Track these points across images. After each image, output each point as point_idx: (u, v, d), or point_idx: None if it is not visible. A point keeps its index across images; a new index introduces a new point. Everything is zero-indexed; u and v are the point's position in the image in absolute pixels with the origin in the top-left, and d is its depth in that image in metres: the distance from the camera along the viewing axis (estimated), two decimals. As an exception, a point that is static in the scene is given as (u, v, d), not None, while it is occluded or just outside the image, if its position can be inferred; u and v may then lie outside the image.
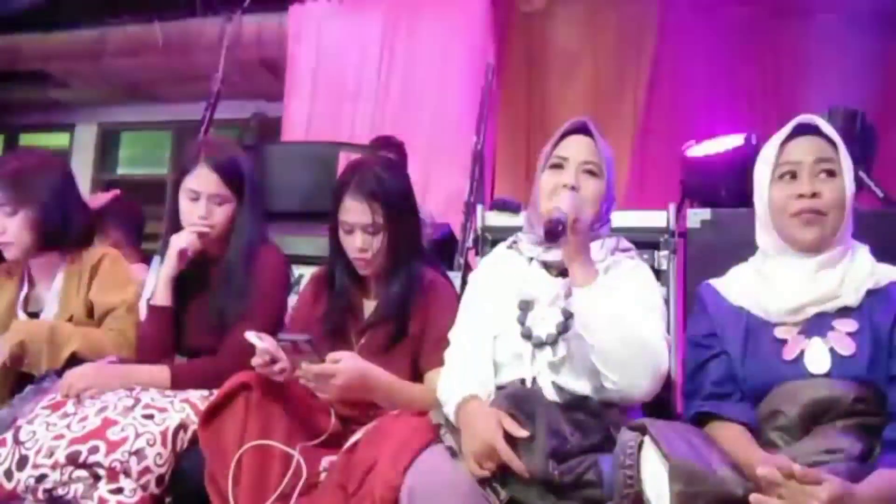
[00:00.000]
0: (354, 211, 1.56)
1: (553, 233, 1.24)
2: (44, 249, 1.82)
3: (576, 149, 1.46)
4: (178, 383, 1.61)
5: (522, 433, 1.21)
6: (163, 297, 1.72)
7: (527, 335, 1.40)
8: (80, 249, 1.86)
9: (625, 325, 1.28)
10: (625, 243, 1.50)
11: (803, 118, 1.35)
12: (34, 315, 1.84)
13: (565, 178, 1.43)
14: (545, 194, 1.45)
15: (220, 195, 1.72)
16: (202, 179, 1.71)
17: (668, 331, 1.55)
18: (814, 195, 1.30)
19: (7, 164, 1.84)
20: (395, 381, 1.50)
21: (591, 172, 1.44)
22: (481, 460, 1.21)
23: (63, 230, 1.82)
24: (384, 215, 1.56)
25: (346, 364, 1.39)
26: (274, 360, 1.41)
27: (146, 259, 2.61)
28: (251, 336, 1.42)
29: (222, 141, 1.96)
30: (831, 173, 1.31)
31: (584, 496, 1.19)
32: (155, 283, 1.76)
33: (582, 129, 1.48)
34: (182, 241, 1.71)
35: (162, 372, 1.62)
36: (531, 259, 1.49)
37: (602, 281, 1.31)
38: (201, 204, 1.72)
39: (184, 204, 1.73)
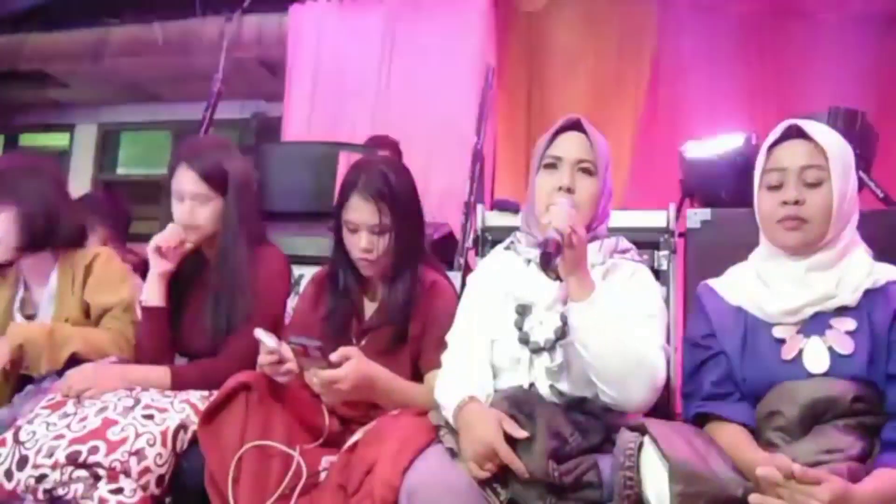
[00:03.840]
0: (361, 211, 1.55)
1: (548, 255, 1.22)
2: (32, 249, 1.81)
3: (570, 147, 1.44)
4: (178, 384, 1.61)
5: (522, 434, 1.21)
6: (152, 297, 1.72)
7: (524, 340, 1.39)
8: (71, 250, 1.85)
9: (621, 340, 1.27)
10: (624, 244, 1.49)
11: (792, 122, 1.34)
12: (30, 318, 1.84)
13: (560, 180, 1.41)
14: (541, 196, 1.44)
15: (200, 194, 1.72)
16: (182, 179, 1.72)
17: (669, 332, 1.54)
18: (797, 202, 1.30)
19: None
20: (397, 380, 1.50)
21: (586, 171, 1.43)
22: (481, 461, 1.21)
23: (49, 230, 1.81)
24: (391, 216, 1.55)
25: (351, 368, 1.38)
26: (281, 361, 1.40)
27: (131, 253, 2.62)
28: (260, 333, 1.40)
29: (206, 140, 1.96)
30: (818, 180, 1.30)
31: (584, 497, 1.19)
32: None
33: (575, 126, 1.46)
34: (157, 238, 1.71)
35: (162, 372, 1.62)
36: (529, 261, 1.48)
37: (599, 293, 1.29)
38: (186, 204, 1.72)
39: (173, 205, 1.74)
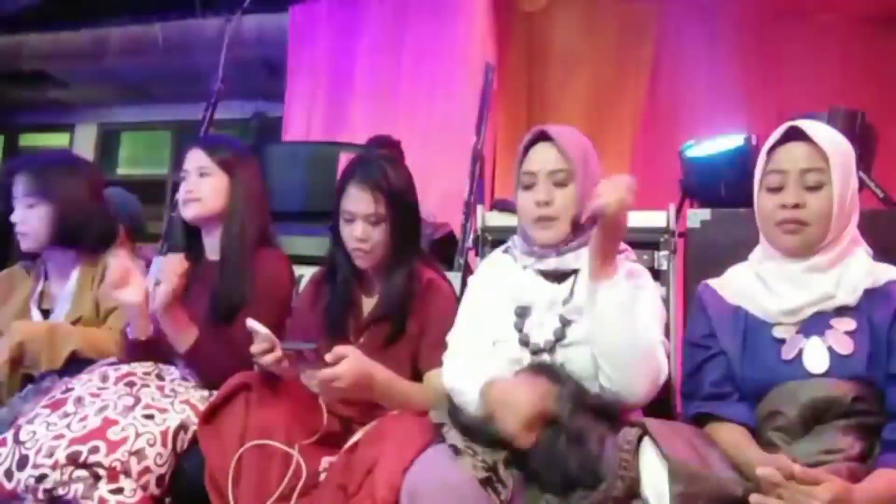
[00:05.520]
0: (357, 200, 1.57)
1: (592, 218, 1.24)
2: (59, 246, 1.88)
3: (540, 160, 1.45)
4: (192, 355, 1.60)
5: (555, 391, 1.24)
6: (139, 330, 1.65)
7: (524, 342, 1.40)
8: (97, 251, 1.90)
9: (635, 328, 1.29)
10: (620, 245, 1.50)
11: (793, 124, 1.34)
12: (47, 312, 1.87)
13: (537, 196, 1.43)
14: (524, 214, 1.46)
15: (203, 167, 1.75)
16: (189, 156, 1.78)
17: (668, 333, 1.55)
18: (797, 206, 1.30)
19: (36, 160, 1.93)
20: (396, 379, 1.49)
21: (559, 183, 1.43)
22: (529, 430, 1.22)
23: (79, 230, 1.88)
24: (386, 206, 1.57)
25: (348, 366, 1.38)
26: (274, 348, 1.40)
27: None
28: (252, 323, 1.41)
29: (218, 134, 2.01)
30: (818, 183, 1.30)
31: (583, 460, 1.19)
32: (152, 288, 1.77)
33: (544, 136, 1.46)
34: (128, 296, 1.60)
35: (190, 335, 1.60)
36: (525, 267, 1.49)
37: (621, 276, 1.31)
38: (190, 180, 1.76)
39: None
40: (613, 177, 1.30)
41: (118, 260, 1.60)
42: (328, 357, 1.37)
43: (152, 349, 1.67)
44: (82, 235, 1.89)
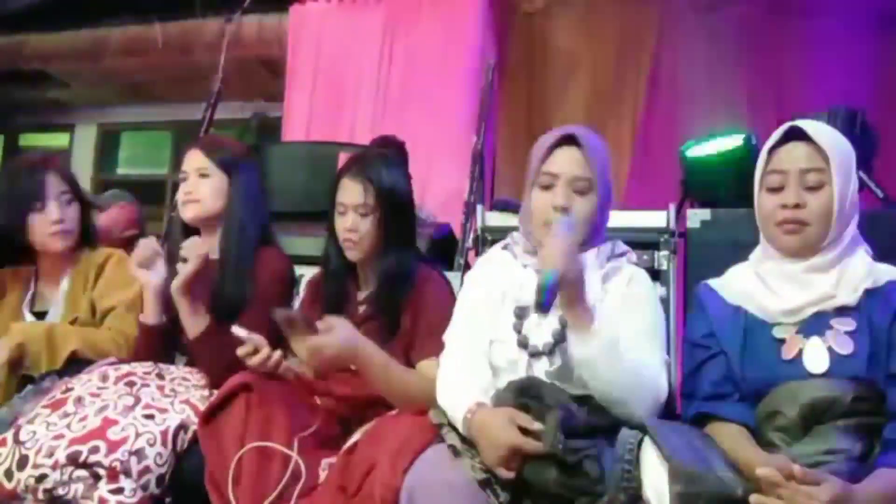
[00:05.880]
0: (349, 190, 1.60)
1: (543, 305, 1.21)
2: (80, 244, 1.89)
3: (564, 164, 1.42)
4: (201, 342, 1.62)
5: (536, 426, 1.21)
6: (148, 315, 1.69)
7: (523, 344, 1.39)
8: (88, 250, 1.91)
9: (623, 367, 1.27)
10: (620, 247, 1.49)
11: (794, 124, 1.34)
12: (41, 315, 1.85)
13: (555, 199, 1.41)
14: (538, 214, 1.43)
15: (202, 167, 1.76)
16: (187, 157, 1.79)
17: (668, 336, 1.54)
18: (797, 206, 1.29)
19: (54, 159, 1.92)
20: (392, 361, 1.47)
21: (580, 191, 1.41)
22: (507, 464, 1.20)
23: (93, 228, 1.94)
24: (376, 198, 1.59)
25: (337, 335, 1.39)
26: (257, 350, 1.45)
27: None
28: (236, 329, 1.45)
29: (219, 136, 2.01)
30: (819, 183, 1.29)
31: (581, 485, 1.19)
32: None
33: (571, 139, 1.43)
34: (133, 257, 1.67)
35: (201, 321, 1.62)
36: (525, 266, 1.48)
37: (598, 322, 1.28)
38: (189, 181, 1.77)
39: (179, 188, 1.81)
40: (548, 240, 1.30)
41: (148, 242, 1.65)
42: (319, 325, 1.39)
43: (163, 335, 1.70)
44: (92, 235, 1.93)
